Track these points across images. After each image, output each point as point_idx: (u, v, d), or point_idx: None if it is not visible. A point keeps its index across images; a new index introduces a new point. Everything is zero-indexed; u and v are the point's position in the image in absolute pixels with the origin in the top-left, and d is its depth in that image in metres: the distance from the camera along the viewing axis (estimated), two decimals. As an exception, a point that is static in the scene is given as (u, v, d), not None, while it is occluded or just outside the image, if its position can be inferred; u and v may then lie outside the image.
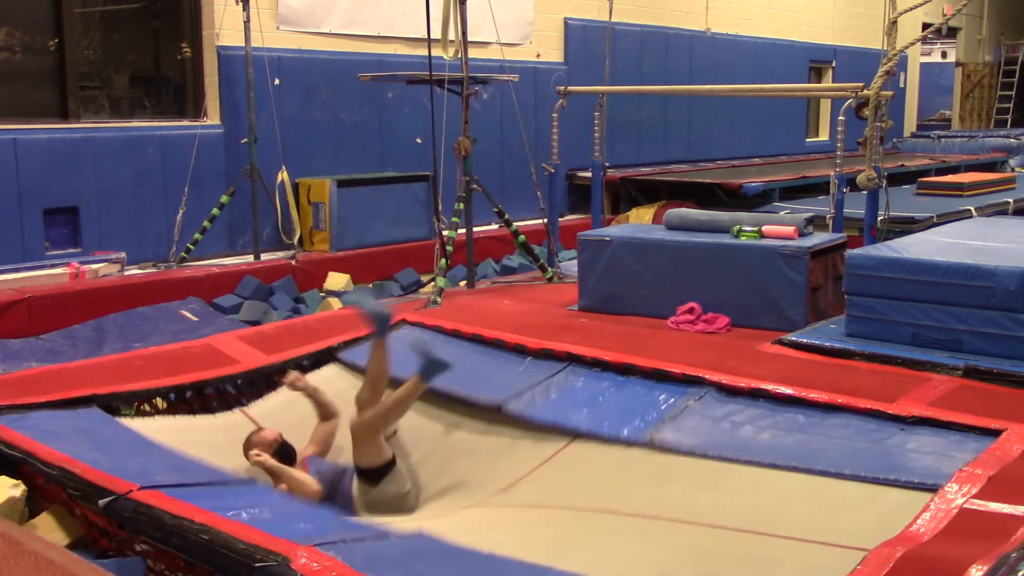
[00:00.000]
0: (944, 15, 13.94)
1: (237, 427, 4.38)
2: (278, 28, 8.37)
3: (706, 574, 2.82)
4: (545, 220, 7.64)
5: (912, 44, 8.64)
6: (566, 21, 10.96)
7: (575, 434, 4.16)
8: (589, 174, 8.99)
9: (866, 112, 6.46)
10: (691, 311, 5.47)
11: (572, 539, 3.17)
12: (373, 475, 3.85)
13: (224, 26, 7.96)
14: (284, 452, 4.05)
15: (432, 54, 6.64)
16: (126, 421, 4.23)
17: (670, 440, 3.93)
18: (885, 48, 6.62)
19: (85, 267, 6.89)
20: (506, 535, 3.24)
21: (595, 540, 3.14)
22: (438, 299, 5.99)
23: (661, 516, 3.30)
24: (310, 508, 3.38)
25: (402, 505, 3.88)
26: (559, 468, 3.99)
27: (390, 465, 3.88)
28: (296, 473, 3.94)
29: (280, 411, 4.60)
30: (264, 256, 8.05)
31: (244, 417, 4.56)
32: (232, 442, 4.14)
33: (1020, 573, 2.54)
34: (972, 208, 9.32)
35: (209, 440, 4.21)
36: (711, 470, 3.71)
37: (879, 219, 6.69)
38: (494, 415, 4.41)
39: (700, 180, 10.68)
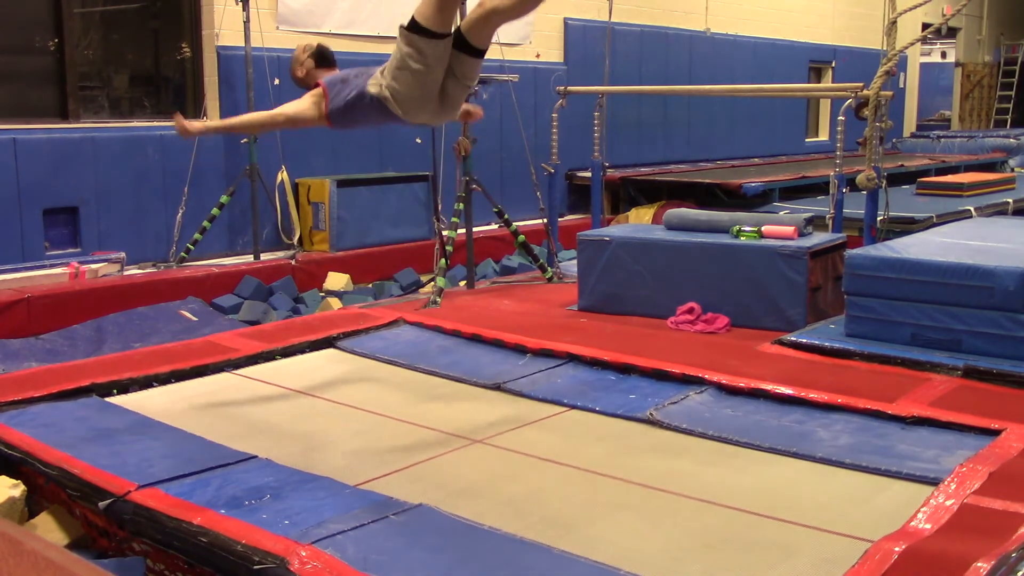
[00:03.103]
0: (944, 15, 13.93)
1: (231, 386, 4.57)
2: (278, 28, 8.37)
3: (718, 562, 2.80)
4: (545, 220, 7.64)
5: (912, 44, 8.63)
6: (566, 21, 10.95)
7: (573, 407, 4.23)
8: (589, 174, 8.99)
9: (866, 112, 6.46)
10: (691, 311, 5.47)
11: (578, 510, 3.16)
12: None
13: (224, 26, 7.95)
14: (323, 56, 4.26)
15: (432, 54, 6.64)
16: (124, 399, 4.27)
17: (669, 419, 3.96)
18: (885, 48, 6.62)
19: (85, 267, 6.89)
20: (511, 502, 3.24)
21: (603, 514, 3.13)
22: (438, 299, 5.99)
23: (667, 490, 3.31)
24: (312, 478, 3.28)
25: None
26: (560, 426, 4.03)
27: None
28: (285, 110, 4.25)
29: (274, 372, 4.75)
30: (264, 256, 8.05)
31: (237, 377, 4.68)
32: (227, 399, 4.36)
33: (1020, 573, 2.54)
34: (972, 208, 9.32)
35: (205, 402, 4.32)
36: (713, 449, 3.73)
37: (879, 219, 6.69)
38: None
39: (700, 180, 10.67)
